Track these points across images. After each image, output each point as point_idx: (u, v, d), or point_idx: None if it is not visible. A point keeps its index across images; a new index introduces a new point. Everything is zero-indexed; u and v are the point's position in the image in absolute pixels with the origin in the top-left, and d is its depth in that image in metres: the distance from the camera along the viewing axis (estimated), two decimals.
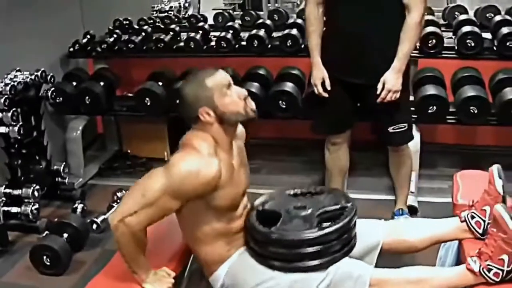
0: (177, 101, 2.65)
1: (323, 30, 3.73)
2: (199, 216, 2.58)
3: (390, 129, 3.75)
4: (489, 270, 2.41)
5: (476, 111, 4.41)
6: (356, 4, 3.52)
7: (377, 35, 3.53)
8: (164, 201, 2.43)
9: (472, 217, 2.75)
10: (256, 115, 2.65)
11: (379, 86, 3.55)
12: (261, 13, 6.82)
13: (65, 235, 3.93)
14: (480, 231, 2.72)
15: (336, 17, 3.63)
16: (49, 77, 4.81)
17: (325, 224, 2.57)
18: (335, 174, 4.10)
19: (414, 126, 4.51)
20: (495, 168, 2.77)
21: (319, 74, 3.71)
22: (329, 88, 3.69)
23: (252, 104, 2.62)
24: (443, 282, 2.55)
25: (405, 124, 3.78)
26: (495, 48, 4.71)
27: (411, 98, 4.68)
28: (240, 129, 2.82)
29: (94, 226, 4.23)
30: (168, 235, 2.86)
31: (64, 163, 4.93)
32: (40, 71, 4.68)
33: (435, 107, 4.47)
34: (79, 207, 4.50)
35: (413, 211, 4.31)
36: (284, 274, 2.55)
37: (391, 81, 3.54)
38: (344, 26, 3.59)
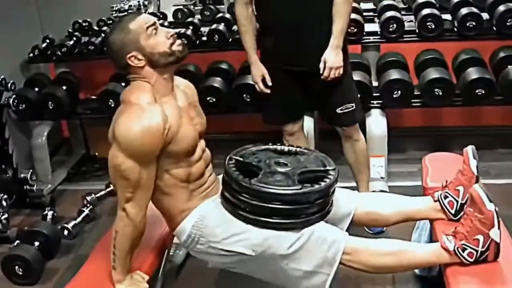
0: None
1: (257, 26, 3.77)
2: (158, 165, 2.54)
3: (338, 110, 3.77)
4: (464, 250, 2.42)
5: (440, 93, 4.45)
6: None
7: (313, 21, 3.56)
8: (143, 172, 2.43)
9: (445, 197, 2.77)
10: (185, 53, 2.62)
11: (321, 65, 3.57)
12: (221, 7, 6.78)
13: (36, 243, 3.86)
14: (453, 211, 2.75)
15: (271, 9, 3.63)
16: (9, 84, 4.75)
17: (306, 185, 2.53)
18: None
19: (379, 111, 4.56)
20: (469, 149, 2.79)
21: (259, 72, 3.75)
22: (270, 84, 3.73)
23: (179, 42, 2.58)
24: (417, 257, 2.57)
25: (352, 104, 3.79)
26: (455, 29, 4.75)
27: (375, 83, 4.71)
28: (186, 82, 2.82)
29: (66, 232, 4.19)
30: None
31: (31, 170, 4.89)
32: None
33: (399, 92, 4.49)
34: (49, 214, 4.44)
35: None
36: (257, 229, 2.52)
37: (331, 59, 3.56)
38: (279, 17, 3.59)
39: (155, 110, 2.45)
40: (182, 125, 2.54)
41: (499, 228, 2.39)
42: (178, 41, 2.58)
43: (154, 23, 2.54)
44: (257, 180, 2.51)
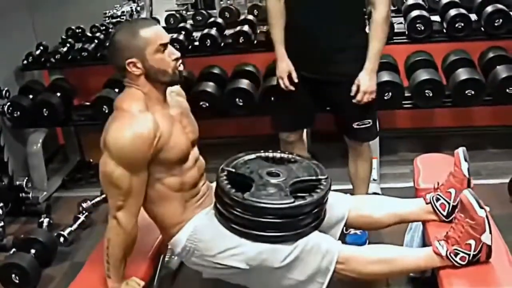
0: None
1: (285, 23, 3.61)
2: (150, 174, 2.55)
3: (355, 125, 3.60)
4: (456, 255, 2.45)
5: (431, 94, 4.48)
6: None
7: (336, 30, 3.40)
8: (135, 180, 2.44)
9: (437, 199, 2.80)
10: (183, 79, 2.64)
11: (354, 88, 3.43)
12: (213, 11, 6.81)
13: (33, 251, 3.88)
14: (445, 213, 2.77)
15: (294, 10, 3.50)
16: (4, 92, 4.77)
17: (298, 195, 2.53)
18: None
19: None
20: (460, 151, 2.82)
21: (285, 67, 3.55)
22: (296, 80, 3.54)
23: (181, 67, 2.58)
24: (409, 263, 2.59)
25: (370, 121, 3.62)
26: (444, 31, 4.78)
27: None
28: (178, 88, 2.81)
29: (62, 239, 4.20)
30: (136, 243, 2.86)
31: (26, 177, 4.89)
32: None
33: (390, 93, 4.50)
34: (45, 221, 4.45)
35: None
36: (251, 242, 2.53)
37: (365, 83, 3.40)
38: (302, 21, 3.46)
39: (146, 117, 2.46)
40: (173, 133, 2.54)
41: (490, 232, 2.41)
42: (181, 66, 2.59)
43: (167, 43, 2.53)
44: (250, 194, 2.50)
